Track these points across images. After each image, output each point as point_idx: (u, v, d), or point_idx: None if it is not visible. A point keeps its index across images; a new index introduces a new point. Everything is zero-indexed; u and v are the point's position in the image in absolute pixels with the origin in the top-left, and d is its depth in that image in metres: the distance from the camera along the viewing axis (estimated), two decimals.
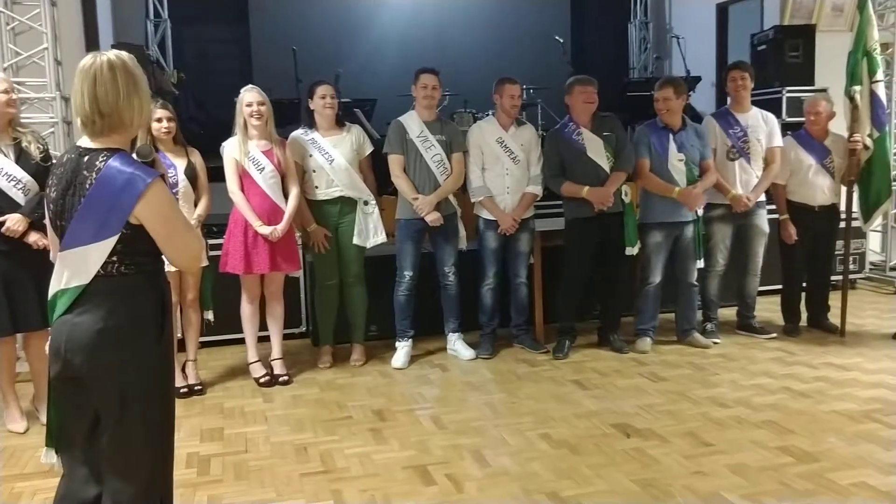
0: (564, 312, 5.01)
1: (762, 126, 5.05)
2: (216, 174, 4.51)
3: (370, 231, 4.76)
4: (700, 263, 5.04)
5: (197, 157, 4.34)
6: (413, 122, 4.78)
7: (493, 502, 3.05)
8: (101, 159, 2.07)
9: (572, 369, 4.69)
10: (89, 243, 2.07)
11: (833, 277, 5.48)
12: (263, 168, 4.35)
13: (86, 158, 2.09)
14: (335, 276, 4.80)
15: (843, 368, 4.54)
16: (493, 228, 4.89)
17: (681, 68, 8.11)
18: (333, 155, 4.63)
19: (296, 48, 7.86)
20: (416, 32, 9.07)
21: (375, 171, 4.88)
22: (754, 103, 5.20)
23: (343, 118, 4.82)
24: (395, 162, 4.76)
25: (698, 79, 7.79)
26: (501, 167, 4.84)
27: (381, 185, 5.01)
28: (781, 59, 6.73)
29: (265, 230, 4.32)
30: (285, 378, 4.56)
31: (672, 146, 4.82)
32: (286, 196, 4.45)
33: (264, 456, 3.56)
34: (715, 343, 5.06)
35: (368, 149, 4.83)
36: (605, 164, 4.77)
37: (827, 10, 7.42)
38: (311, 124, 4.69)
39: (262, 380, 4.53)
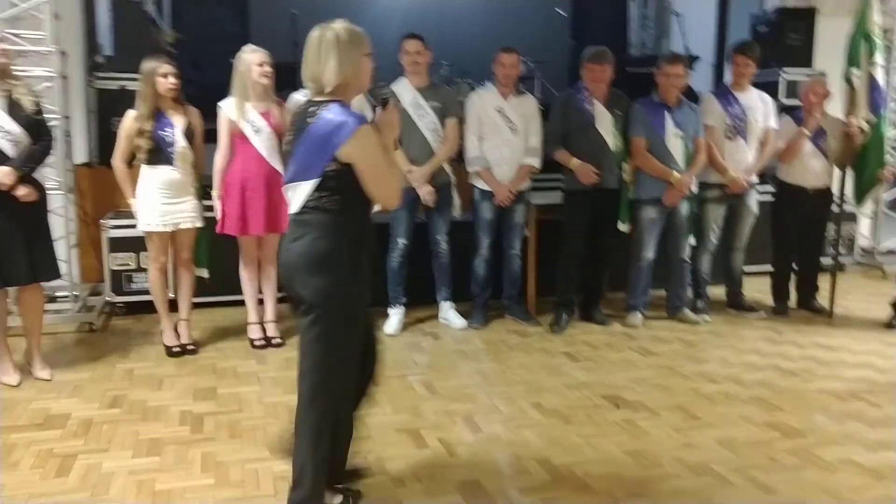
0: (564, 285, 5.02)
1: (760, 106, 5.06)
2: (210, 135, 4.47)
3: None
4: (692, 241, 5.08)
5: (195, 117, 4.32)
6: (405, 90, 4.73)
7: (484, 467, 3.09)
8: (320, 109, 2.42)
9: (563, 341, 4.73)
10: (301, 180, 2.44)
11: (823, 260, 5.53)
12: (260, 130, 4.32)
13: (311, 108, 2.45)
14: None
15: (830, 349, 4.60)
16: (488, 199, 4.89)
17: (680, 47, 8.09)
18: None
19: (296, 11, 7.78)
20: (418, 1, 8.98)
21: None
22: (751, 84, 5.21)
23: None
24: None
25: (697, 58, 7.76)
26: (500, 137, 4.83)
27: None
28: (781, 41, 6.72)
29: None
30: (279, 341, 4.57)
31: (669, 123, 4.82)
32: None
33: (257, 415, 3.58)
34: (705, 320, 5.11)
35: (368, 113, 4.80)
36: (611, 141, 4.76)
37: None
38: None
39: (257, 342, 4.54)
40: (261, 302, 4.67)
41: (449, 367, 4.29)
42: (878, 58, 5.71)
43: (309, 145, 2.43)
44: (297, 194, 2.46)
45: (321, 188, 2.43)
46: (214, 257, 4.62)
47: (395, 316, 4.89)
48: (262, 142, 4.33)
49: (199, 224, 4.36)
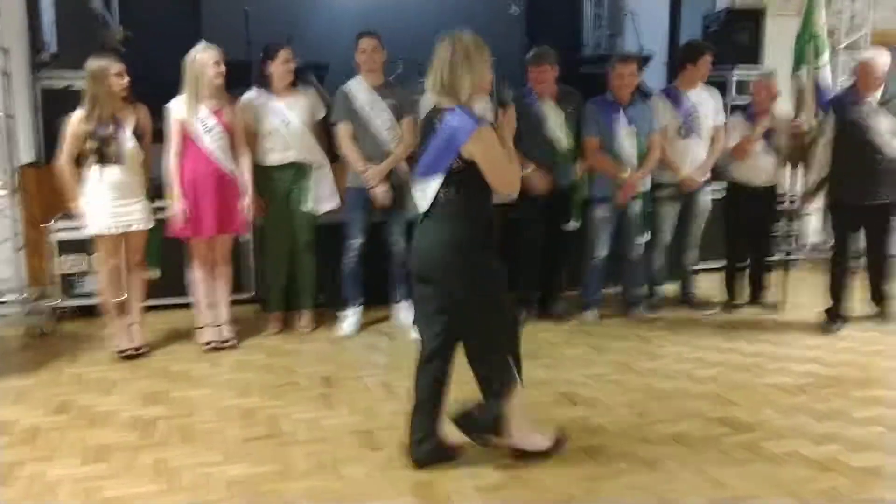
0: (524, 283, 5.02)
1: (709, 103, 5.13)
2: (158, 135, 4.38)
3: (323, 196, 4.72)
4: (645, 238, 5.13)
5: (144, 116, 4.25)
6: (359, 89, 4.70)
7: (439, 468, 3.07)
8: (444, 115, 2.79)
9: (523, 338, 4.72)
10: (429, 175, 2.82)
11: (774, 256, 5.63)
12: (211, 129, 4.26)
13: (437, 114, 2.82)
14: (286, 243, 4.75)
15: (780, 344, 4.68)
16: None
17: (634, 46, 8.17)
18: (290, 118, 4.56)
19: (248, 9, 7.68)
20: None
21: (325, 136, 4.82)
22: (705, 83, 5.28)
23: (295, 82, 4.74)
24: (342, 131, 4.69)
25: (651, 57, 7.85)
26: None
27: (332, 152, 4.94)
28: (731, 41, 6.83)
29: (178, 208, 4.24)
30: (232, 343, 4.51)
31: (622, 122, 4.85)
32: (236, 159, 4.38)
33: (210, 419, 3.53)
34: (659, 317, 5.17)
35: (321, 113, 4.77)
36: (563, 140, 4.79)
37: None
38: (264, 86, 4.60)
39: (209, 344, 4.47)
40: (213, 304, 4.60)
41: (406, 367, 4.19)
42: (825, 58, 5.84)
43: (435, 146, 2.81)
44: (427, 190, 2.85)
45: (447, 183, 2.80)
46: (165, 259, 4.54)
47: (352, 317, 4.86)
48: (213, 141, 4.27)
49: (149, 225, 4.28)
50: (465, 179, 2.80)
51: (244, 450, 3.22)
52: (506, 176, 2.85)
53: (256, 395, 3.81)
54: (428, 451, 3.06)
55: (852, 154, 4.67)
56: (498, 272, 2.97)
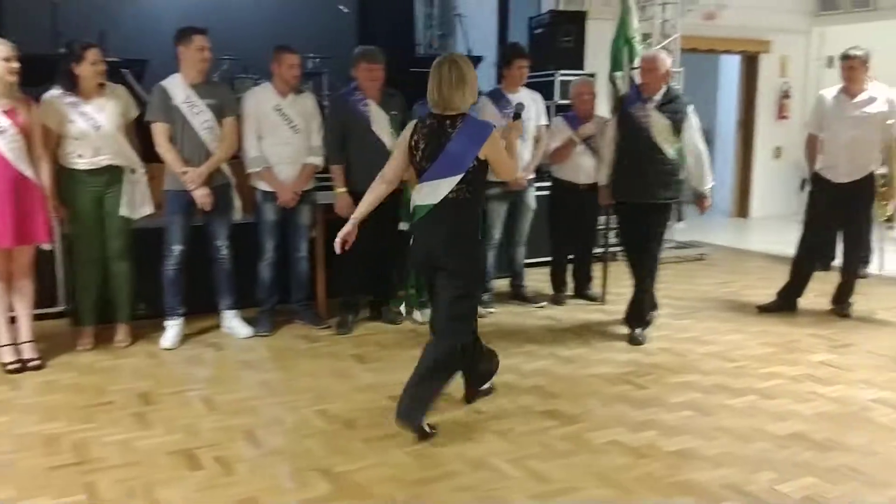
0: (347, 286, 4.95)
1: (532, 105, 5.26)
2: None
3: (138, 201, 4.43)
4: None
5: None
6: (177, 87, 4.46)
7: (263, 483, 2.95)
8: (458, 122, 3.28)
9: (353, 343, 4.67)
10: (445, 177, 3.25)
11: (596, 251, 5.87)
12: (4, 130, 3.88)
13: (447, 122, 3.28)
14: (98, 251, 4.42)
15: (603, 335, 4.88)
16: (271, 201, 4.73)
17: (464, 48, 8.29)
18: (100, 120, 4.24)
19: (57, 1, 7.11)
20: None
21: (142, 136, 4.53)
22: (530, 85, 5.42)
23: (109, 79, 4.42)
24: (159, 131, 4.43)
25: (481, 58, 7.99)
26: (280, 136, 4.68)
27: (150, 152, 4.65)
28: (555, 44, 7.06)
29: None
30: (37, 363, 4.14)
31: None
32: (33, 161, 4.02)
33: (6, 450, 3.20)
34: (490, 312, 5.26)
35: (134, 112, 4.48)
36: (389, 141, 4.74)
37: None
38: (71, 87, 4.25)
39: (10, 366, 4.08)
40: (14, 321, 4.20)
41: (231, 379, 4.09)
42: (638, 62, 6.16)
43: (454, 150, 3.25)
44: (439, 188, 3.25)
45: (462, 181, 3.25)
46: None
47: (173, 328, 4.59)
48: (6, 144, 3.89)
49: None
50: (474, 177, 3.29)
51: (44, 481, 2.95)
52: (508, 166, 3.43)
53: (63, 418, 3.51)
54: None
55: (630, 152, 4.63)
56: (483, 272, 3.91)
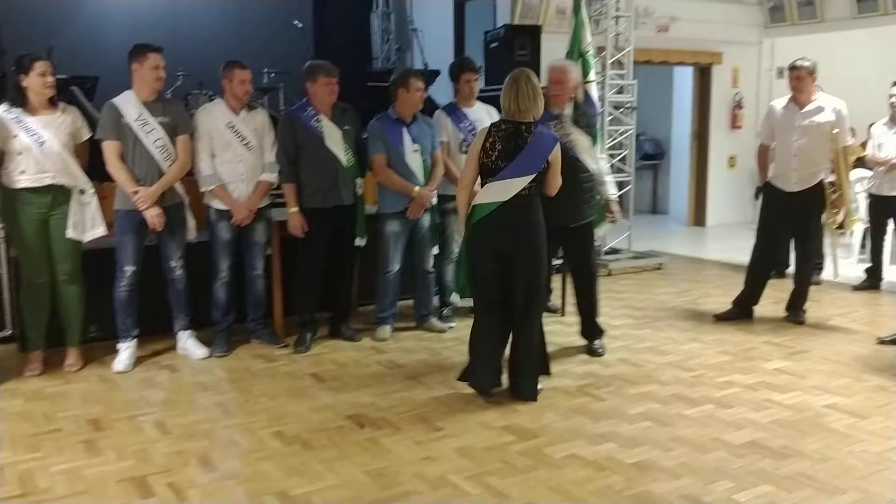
0: (302, 305, 4.90)
1: (486, 119, 5.25)
2: None
3: (87, 223, 4.33)
4: (436, 251, 5.19)
5: None
6: (130, 105, 4.38)
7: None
8: (533, 128, 3.79)
9: (311, 362, 4.61)
10: (521, 176, 3.75)
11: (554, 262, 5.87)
12: None
13: (523, 127, 3.78)
14: (45, 274, 4.31)
15: (562, 346, 4.87)
16: (225, 219, 4.66)
17: (420, 61, 8.30)
18: (44, 136, 4.14)
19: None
20: (147, 5, 8.41)
21: (94, 155, 4.43)
22: (485, 99, 5.42)
23: (58, 97, 4.33)
24: (109, 149, 4.34)
25: (438, 72, 8.00)
26: (233, 153, 4.62)
27: (101, 171, 4.55)
28: (511, 57, 7.07)
29: None
30: None
31: (407, 138, 4.88)
32: None
33: None
34: (450, 327, 5.23)
35: (86, 134, 4.39)
36: (342, 156, 4.71)
37: (552, 12, 7.98)
38: (18, 102, 4.15)
39: None
40: None
41: (186, 402, 4.01)
42: (592, 75, 6.22)
43: (530, 153, 3.75)
44: (513, 186, 3.74)
45: (534, 180, 3.75)
46: None
47: (126, 351, 4.48)
48: None
49: None
50: (541, 178, 3.79)
51: None
52: (559, 180, 3.89)
53: (8, 448, 3.40)
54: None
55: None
56: (548, 263, 4.23)
